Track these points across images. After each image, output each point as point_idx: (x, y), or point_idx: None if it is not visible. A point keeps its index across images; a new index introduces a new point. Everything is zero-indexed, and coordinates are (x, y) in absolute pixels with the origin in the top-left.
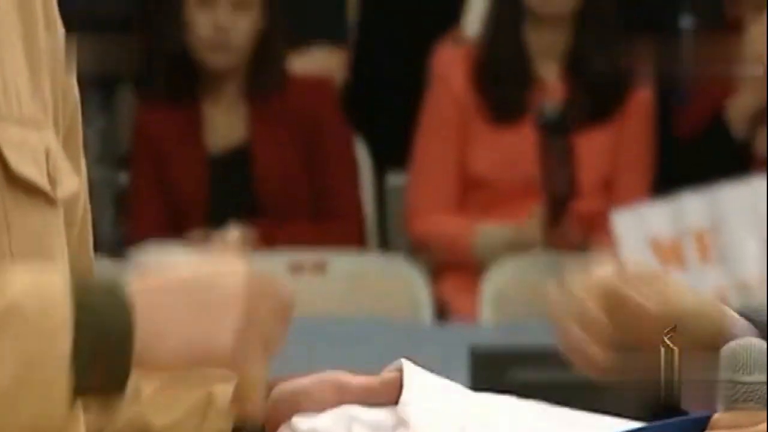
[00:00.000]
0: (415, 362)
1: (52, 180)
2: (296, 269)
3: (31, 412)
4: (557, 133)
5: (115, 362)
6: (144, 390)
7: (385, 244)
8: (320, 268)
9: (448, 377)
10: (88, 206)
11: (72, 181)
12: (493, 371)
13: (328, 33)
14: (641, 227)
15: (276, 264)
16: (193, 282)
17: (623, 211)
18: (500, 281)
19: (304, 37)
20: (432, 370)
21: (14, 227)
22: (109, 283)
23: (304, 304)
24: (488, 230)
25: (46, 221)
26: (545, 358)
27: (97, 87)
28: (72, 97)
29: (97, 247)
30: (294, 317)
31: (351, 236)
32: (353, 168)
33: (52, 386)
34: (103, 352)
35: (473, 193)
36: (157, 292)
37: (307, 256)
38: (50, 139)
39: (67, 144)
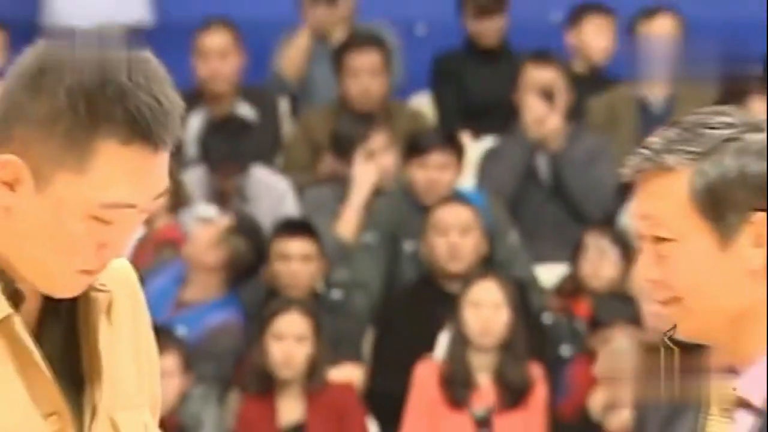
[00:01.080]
0: None
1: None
2: None
3: None
4: (485, 424)
5: None
6: None
7: None
8: None
9: None
10: None
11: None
12: None
13: (352, 355)
14: None
15: None
16: None
17: None
18: None
19: (337, 358)
20: None
21: None
22: None
23: None
24: None
25: None
26: None
27: (215, 390)
28: (157, 386)
29: None
30: None
31: None
32: None
33: None
34: None
35: None
36: None
37: None
38: (147, 416)
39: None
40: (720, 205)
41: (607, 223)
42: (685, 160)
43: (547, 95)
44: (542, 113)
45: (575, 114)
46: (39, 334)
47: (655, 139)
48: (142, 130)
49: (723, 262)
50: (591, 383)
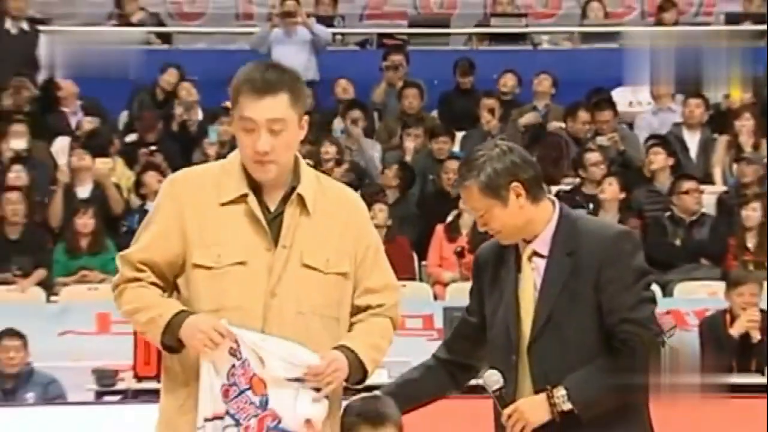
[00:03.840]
0: None
1: (324, 266)
2: None
3: (151, 334)
4: (461, 255)
5: (174, 339)
6: None
7: None
8: None
9: None
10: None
11: (342, 267)
12: None
13: (408, 223)
14: None
15: None
16: (196, 324)
17: None
18: None
19: (401, 225)
20: None
21: (299, 282)
22: (182, 314)
23: None
24: None
25: (319, 282)
26: None
27: None
28: (364, 248)
29: None
30: None
31: (403, 275)
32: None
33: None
34: (171, 336)
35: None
36: (188, 324)
37: None
38: (331, 251)
39: (365, 263)
40: (493, 191)
41: None
42: (472, 180)
43: (491, 111)
44: (489, 119)
45: (504, 118)
46: (278, 211)
47: (458, 174)
48: (251, 89)
49: (507, 211)
50: None
